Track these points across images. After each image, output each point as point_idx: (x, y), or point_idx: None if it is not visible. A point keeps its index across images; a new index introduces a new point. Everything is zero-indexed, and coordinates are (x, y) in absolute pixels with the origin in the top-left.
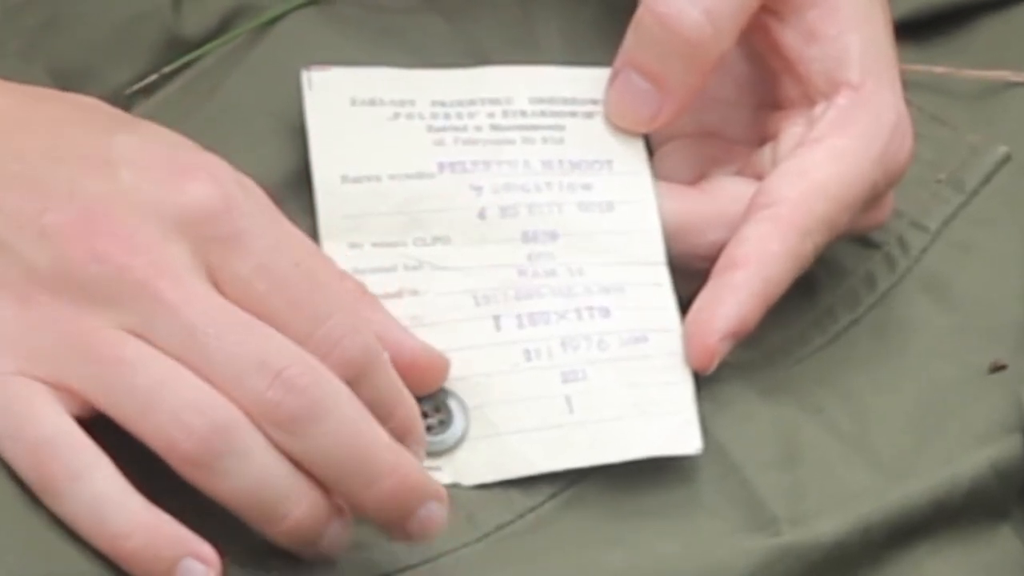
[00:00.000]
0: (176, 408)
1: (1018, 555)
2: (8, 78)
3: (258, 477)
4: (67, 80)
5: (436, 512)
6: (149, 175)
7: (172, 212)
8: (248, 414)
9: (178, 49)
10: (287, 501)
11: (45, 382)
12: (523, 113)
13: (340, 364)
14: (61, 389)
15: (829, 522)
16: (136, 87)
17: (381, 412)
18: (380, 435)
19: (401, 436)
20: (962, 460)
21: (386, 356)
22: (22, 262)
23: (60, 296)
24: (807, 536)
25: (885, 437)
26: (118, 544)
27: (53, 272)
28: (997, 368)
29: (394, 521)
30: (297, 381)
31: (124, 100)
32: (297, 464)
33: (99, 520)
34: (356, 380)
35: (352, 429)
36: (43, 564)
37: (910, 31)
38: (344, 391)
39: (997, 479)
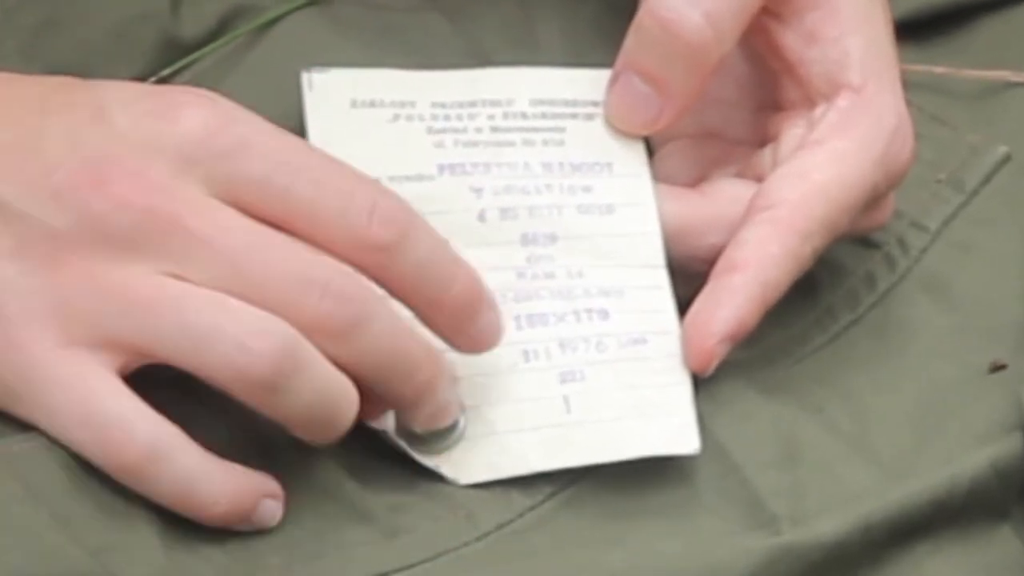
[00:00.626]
0: (237, 335)
1: (1018, 555)
2: None
3: (322, 389)
4: None
5: None
6: (142, 113)
7: (174, 143)
8: (300, 329)
9: (176, 50)
10: (345, 406)
11: (91, 345)
12: (523, 115)
13: (382, 231)
14: (108, 348)
15: (830, 522)
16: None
17: (438, 273)
18: (415, 330)
19: (468, 300)
20: (962, 460)
21: (421, 218)
22: (41, 226)
23: (89, 253)
24: (808, 536)
25: (885, 437)
26: (207, 512)
27: (77, 230)
28: (997, 368)
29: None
30: (345, 290)
31: None
32: (344, 369)
33: (187, 495)
34: (401, 243)
35: (392, 327)
36: (45, 564)
37: (910, 31)
38: (379, 293)
39: (997, 479)
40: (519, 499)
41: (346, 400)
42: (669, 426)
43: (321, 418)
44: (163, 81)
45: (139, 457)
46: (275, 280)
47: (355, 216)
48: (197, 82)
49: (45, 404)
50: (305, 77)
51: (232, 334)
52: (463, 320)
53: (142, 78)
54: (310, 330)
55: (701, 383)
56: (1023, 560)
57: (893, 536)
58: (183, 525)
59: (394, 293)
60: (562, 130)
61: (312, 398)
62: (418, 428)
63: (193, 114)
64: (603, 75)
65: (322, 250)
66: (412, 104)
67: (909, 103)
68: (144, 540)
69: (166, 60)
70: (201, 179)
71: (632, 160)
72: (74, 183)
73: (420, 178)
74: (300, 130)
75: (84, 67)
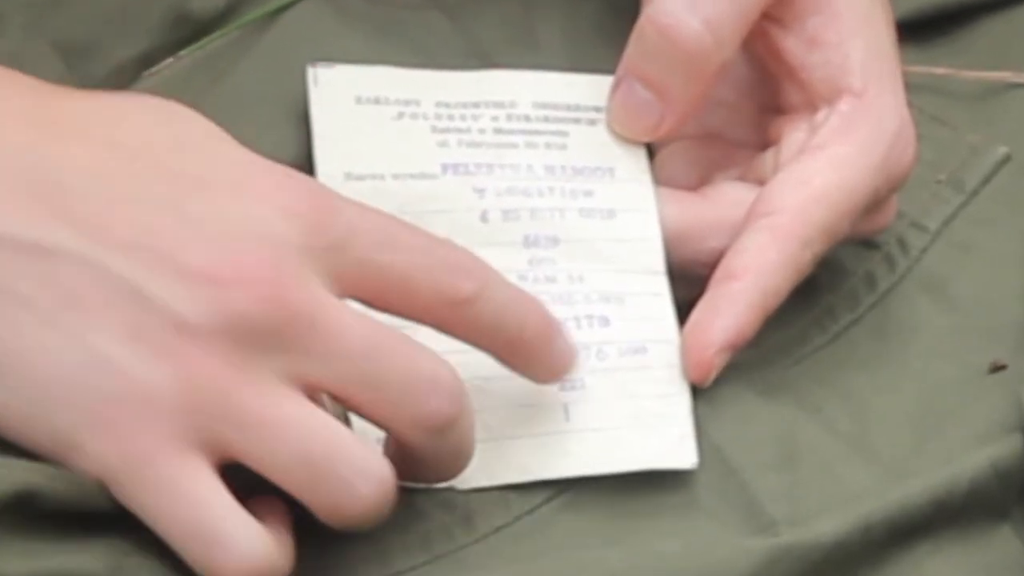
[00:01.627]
0: (348, 476)
1: (1018, 555)
2: (13, 52)
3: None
4: (72, 54)
5: None
6: (249, 194)
7: (293, 237)
8: (403, 427)
9: (185, 26)
10: None
11: (199, 447)
12: (526, 118)
13: (465, 285)
14: (215, 452)
15: (829, 522)
16: (151, 71)
17: (513, 315)
18: None
19: (541, 334)
20: (962, 460)
21: (492, 268)
22: (167, 312)
23: (217, 349)
24: (807, 536)
25: (885, 437)
26: None
27: (208, 322)
28: (997, 368)
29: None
30: (452, 387)
31: (129, 77)
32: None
33: None
34: (481, 294)
35: (472, 422)
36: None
37: (911, 31)
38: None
39: (997, 479)
40: (517, 502)
41: None
42: (668, 439)
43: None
44: (167, 53)
45: (242, 569)
46: (392, 379)
47: (440, 274)
48: (209, 64)
49: (150, 504)
50: (311, 72)
51: (344, 475)
52: (539, 353)
53: (150, 53)
54: (411, 427)
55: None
56: (1023, 560)
57: (893, 536)
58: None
59: (474, 342)
60: (565, 134)
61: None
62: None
63: (302, 201)
64: (606, 81)
65: (414, 313)
66: (416, 103)
67: (909, 104)
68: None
69: (174, 37)
70: (318, 271)
71: (634, 166)
72: (208, 271)
73: (424, 176)
74: (305, 123)
75: (90, 42)
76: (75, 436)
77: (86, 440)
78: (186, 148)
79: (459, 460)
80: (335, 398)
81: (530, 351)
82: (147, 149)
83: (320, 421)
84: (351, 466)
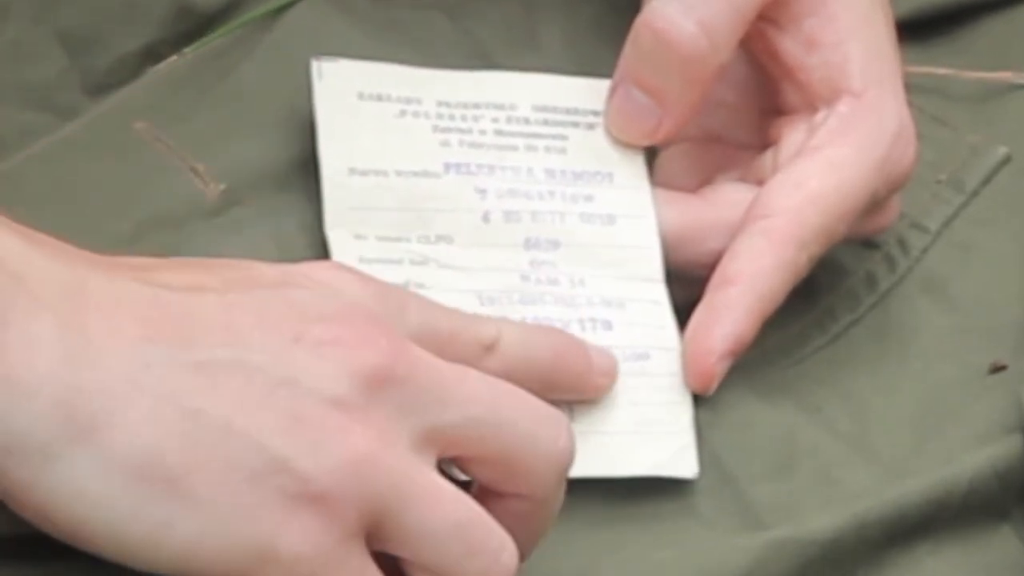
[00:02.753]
0: (497, 549)
1: (1018, 555)
2: (17, 42)
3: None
4: (75, 46)
5: None
6: (314, 277)
7: (368, 301)
8: (528, 476)
9: (188, 19)
10: None
11: (357, 526)
12: (526, 120)
13: (485, 328)
14: (364, 526)
15: (823, 518)
16: (155, 68)
17: (541, 351)
18: None
19: (575, 352)
20: (962, 460)
21: None
22: (312, 389)
23: (368, 413)
24: (801, 531)
25: (885, 437)
26: None
27: (354, 389)
28: (997, 368)
29: None
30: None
31: (132, 69)
32: None
33: None
34: (500, 333)
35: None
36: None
37: (911, 31)
38: None
39: (997, 479)
40: None
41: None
42: (669, 447)
43: None
44: (172, 48)
45: None
46: (520, 418)
47: (471, 326)
48: (212, 61)
49: None
50: (315, 65)
51: (492, 547)
52: (582, 370)
53: (153, 46)
54: (548, 466)
55: None
56: (1023, 560)
57: (892, 536)
58: None
59: (517, 383)
60: (564, 138)
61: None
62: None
63: (354, 274)
64: (604, 84)
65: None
66: (419, 101)
67: (910, 104)
68: None
69: (178, 29)
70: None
71: (632, 172)
72: (333, 338)
73: (427, 174)
74: (308, 120)
75: (94, 34)
76: (264, 542)
77: (275, 542)
78: (240, 268)
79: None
80: (459, 457)
81: (571, 367)
82: (227, 266)
83: (457, 491)
84: (496, 535)
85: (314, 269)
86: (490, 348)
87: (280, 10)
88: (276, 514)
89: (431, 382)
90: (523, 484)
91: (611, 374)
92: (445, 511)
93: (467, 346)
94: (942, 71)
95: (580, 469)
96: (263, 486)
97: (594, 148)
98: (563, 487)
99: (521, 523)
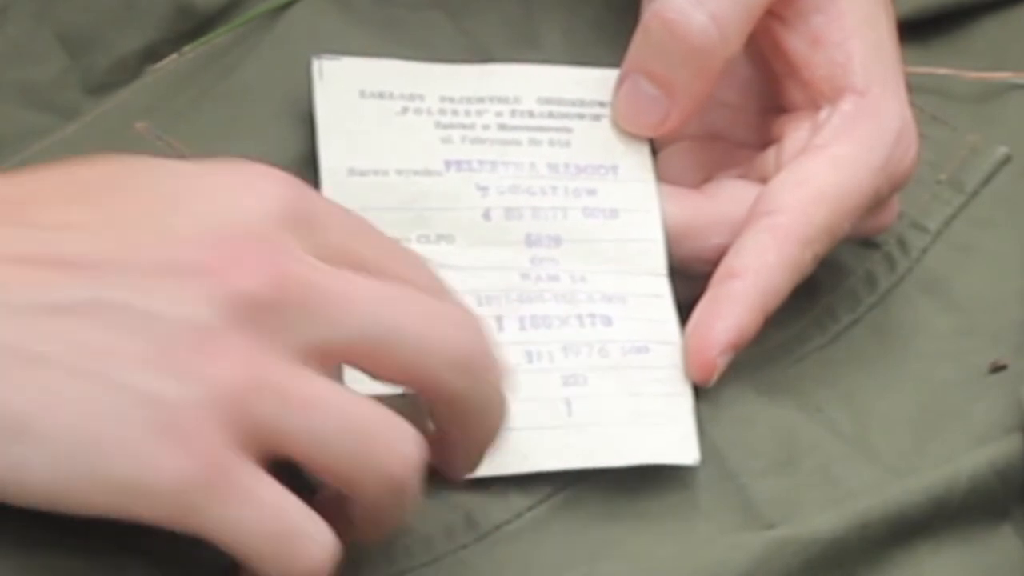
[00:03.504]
0: (390, 440)
1: (1019, 555)
2: (17, 41)
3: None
4: (76, 45)
5: None
6: (218, 190)
7: (269, 214)
8: (429, 367)
9: (188, 18)
10: None
11: (251, 446)
12: (531, 114)
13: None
14: (262, 448)
15: (826, 518)
16: (159, 65)
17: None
18: None
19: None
20: (962, 459)
21: None
22: (175, 322)
23: (237, 338)
24: (803, 530)
25: (885, 437)
26: None
27: (220, 316)
28: (997, 368)
29: None
30: (466, 322)
31: (132, 69)
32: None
33: None
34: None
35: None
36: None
37: (912, 31)
38: None
39: (997, 478)
40: (517, 500)
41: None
42: (670, 436)
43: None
44: (173, 47)
45: (323, 563)
46: (411, 324)
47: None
48: (212, 61)
49: (233, 519)
50: (316, 64)
51: (389, 438)
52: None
53: (153, 45)
54: (447, 368)
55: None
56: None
57: (893, 535)
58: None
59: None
60: (569, 130)
61: (415, 496)
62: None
63: (274, 184)
64: (611, 75)
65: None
66: (421, 97)
67: (910, 104)
68: None
69: (178, 29)
70: (305, 247)
71: (638, 165)
72: (200, 264)
73: (427, 173)
74: (308, 120)
75: (94, 34)
76: (139, 479)
77: (153, 477)
78: (142, 175)
79: (497, 398)
80: (352, 364)
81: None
82: (108, 188)
83: (349, 393)
84: (393, 428)
85: (220, 174)
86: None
87: (280, 9)
88: (144, 447)
89: (310, 300)
90: (424, 386)
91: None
92: (331, 414)
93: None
94: (942, 71)
95: (581, 460)
96: (126, 421)
97: (599, 140)
98: (478, 384)
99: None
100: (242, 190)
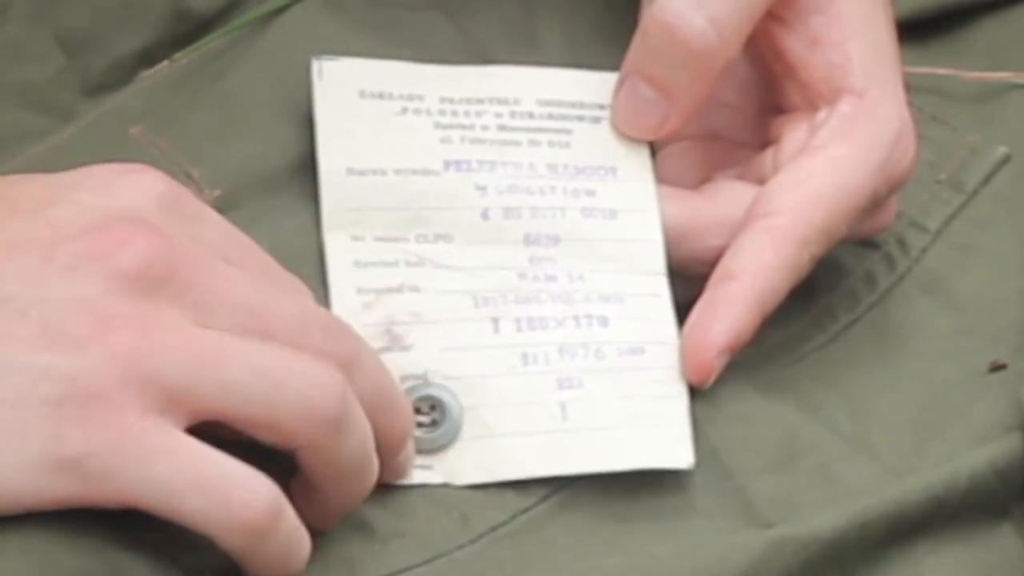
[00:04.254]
0: (306, 372)
1: (1019, 554)
2: (15, 42)
3: (366, 429)
4: (73, 46)
5: None
6: (98, 187)
7: (148, 203)
8: None
9: (185, 21)
10: (374, 454)
11: (165, 408)
12: (530, 115)
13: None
14: (179, 408)
15: (825, 517)
16: (151, 71)
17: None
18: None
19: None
20: (962, 459)
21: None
22: (69, 304)
23: (133, 313)
24: (803, 530)
25: (885, 436)
26: (302, 565)
27: (111, 294)
28: (997, 367)
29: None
30: (339, 329)
31: (129, 70)
32: None
33: (295, 550)
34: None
35: (380, 365)
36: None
37: (912, 31)
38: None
39: (997, 477)
40: (513, 500)
41: (373, 446)
42: (664, 439)
43: (364, 463)
44: (168, 51)
45: (264, 514)
46: (286, 321)
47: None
48: (208, 64)
49: (150, 477)
50: (315, 65)
51: (301, 371)
52: None
53: (151, 47)
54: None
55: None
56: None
57: (893, 534)
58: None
59: None
60: (568, 132)
61: (361, 438)
62: (390, 478)
63: (151, 178)
64: (611, 78)
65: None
66: (420, 98)
67: (909, 104)
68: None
69: (175, 31)
70: (186, 237)
71: (637, 166)
72: (87, 252)
73: (426, 172)
74: (305, 122)
75: (92, 35)
76: (45, 454)
77: (58, 450)
78: (20, 182)
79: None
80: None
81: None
82: None
83: (255, 342)
84: (306, 368)
85: (96, 171)
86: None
87: (276, 12)
88: (47, 423)
89: (191, 273)
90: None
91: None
92: (239, 362)
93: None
94: (942, 71)
95: (574, 465)
96: (26, 403)
97: (598, 142)
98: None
99: None
100: (119, 183)
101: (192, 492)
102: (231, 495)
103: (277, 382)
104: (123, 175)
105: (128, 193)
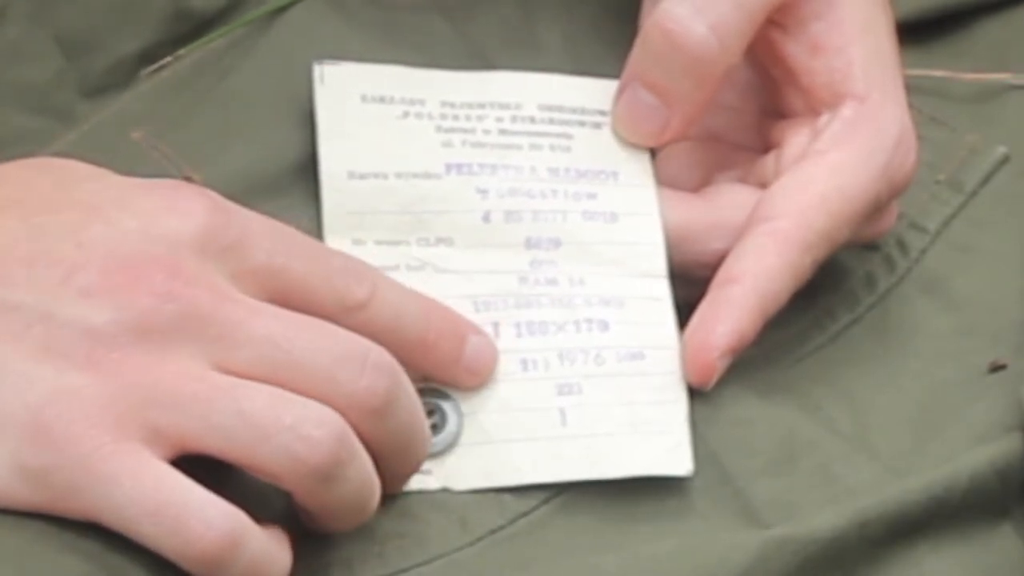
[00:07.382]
0: (295, 424)
1: (1019, 554)
2: (14, 43)
3: (366, 476)
4: (73, 47)
5: None
6: (138, 209)
7: (185, 237)
8: (341, 407)
9: (185, 21)
10: (376, 491)
11: (143, 439)
12: (532, 119)
13: (357, 292)
14: (159, 441)
15: (824, 517)
16: (151, 69)
17: (413, 321)
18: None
19: (449, 333)
20: (962, 459)
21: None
22: (73, 326)
23: (133, 348)
24: (802, 530)
25: (885, 436)
26: None
27: (117, 327)
28: (997, 367)
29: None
30: (381, 362)
31: (129, 71)
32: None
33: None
34: (372, 301)
35: (415, 400)
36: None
37: (911, 32)
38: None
39: (997, 477)
40: (512, 504)
41: (376, 485)
42: (663, 445)
43: (360, 505)
44: (170, 50)
45: (219, 545)
46: (317, 358)
47: (332, 279)
48: (209, 64)
49: (110, 498)
50: (317, 69)
51: (290, 423)
52: (450, 355)
53: (151, 48)
54: (349, 407)
55: None
56: (1023, 559)
57: (893, 534)
58: None
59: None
60: (569, 137)
61: (358, 486)
62: (389, 492)
63: (195, 208)
64: (613, 85)
65: (317, 316)
66: (422, 102)
67: (909, 105)
68: None
69: (175, 31)
70: (220, 270)
71: (638, 170)
72: (106, 283)
73: (427, 176)
74: (307, 123)
75: (92, 36)
76: (17, 458)
77: (27, 457)
78: (68, 186)
79: (412, 438)
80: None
81: (440, 353)
82: (34, 195)
83: (252, 384)
84: (296, 415)
85: (151, 191)
86: (352, 309)
87: (277, 12)
88: (24, 430)
89: (203, 320)
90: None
91: (480, 375)
92: (224, 406)
93: (323, 299)
94: (941, 72)
95: (574, 472)
96: (9, 406)
97: (599, 147)
98: (387, 423)
99: None
100: (165, 208)
101: (148, 519)
102: (186, 524)
103: (263, 430)
104: (169, 201)
105: (169, 221)
